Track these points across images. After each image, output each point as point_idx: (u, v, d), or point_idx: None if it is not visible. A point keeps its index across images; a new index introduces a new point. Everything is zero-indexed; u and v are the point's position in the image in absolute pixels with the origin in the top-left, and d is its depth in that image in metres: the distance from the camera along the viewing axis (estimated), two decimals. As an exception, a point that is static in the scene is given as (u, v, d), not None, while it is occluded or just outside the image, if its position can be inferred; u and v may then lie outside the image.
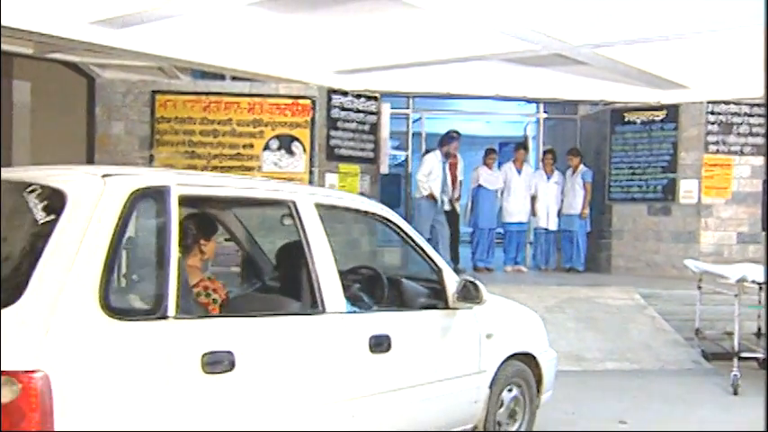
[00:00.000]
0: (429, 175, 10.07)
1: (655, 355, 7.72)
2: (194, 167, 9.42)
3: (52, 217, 2.78)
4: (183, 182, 3.22)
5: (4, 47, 7.76)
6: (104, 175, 2.97)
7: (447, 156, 10.37)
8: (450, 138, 10.40)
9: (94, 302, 2.70)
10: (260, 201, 3.93)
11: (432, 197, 10.02)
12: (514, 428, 4.80)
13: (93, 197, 2.86)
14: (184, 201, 3.21)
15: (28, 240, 2.84)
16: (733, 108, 10.60)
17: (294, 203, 3.70)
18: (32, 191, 2.90)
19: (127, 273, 3.01)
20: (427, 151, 10.67)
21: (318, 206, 3.81)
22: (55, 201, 2.83)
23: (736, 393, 6.57)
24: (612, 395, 6.50)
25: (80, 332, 2.65)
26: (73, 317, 2.64)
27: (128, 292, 2.97)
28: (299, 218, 3.69)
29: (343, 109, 10.14)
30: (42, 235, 2.74)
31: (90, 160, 9.63)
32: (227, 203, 4.52)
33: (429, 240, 8.70)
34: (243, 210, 4.88)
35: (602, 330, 8.13)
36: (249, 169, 9.56)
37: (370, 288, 4.52)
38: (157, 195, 3.05)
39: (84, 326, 2.67)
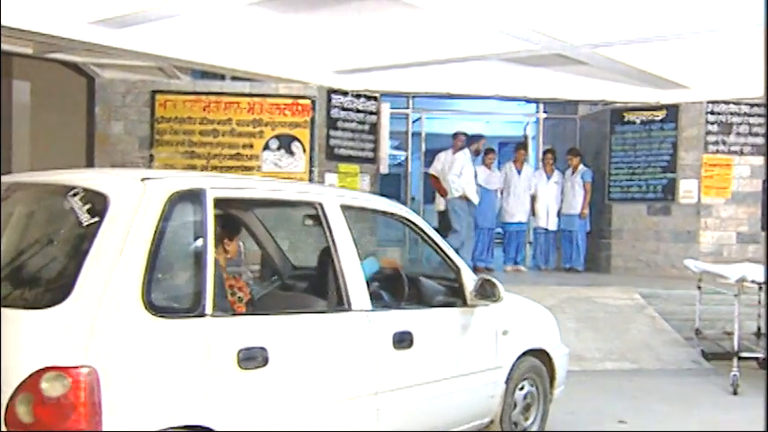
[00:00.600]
0: (461, 176, 10.10)
1: (654, 355, 7.72)
2: (194, 167, 9.43)
3: (96, 219, 2.90)
4: (217, 185, 3.36)
5: (4, 47, 7.76)
6: (144, 179, 3.10)
7: (477, 153, 10.52)
8: (479, 135, 10.67)
9: (137, 301, 2.83)
10: (288, 202, 4.08)
11: (464, 197, 10.09)
12: (529, 422, 4.92)
13: (135, 200, 2.98)
14: (218, 203, 3.31)
15: (72, 242, 2.98)
16: (732, 108, 10.61)
17: (321, 205, 3.82)
18: (75, 194, 3.01)
19: (167, 272, 3.08)
20: (456, 149, 10.65)
21: (344, 207, 3.93)
22: (98, 203, 2.95)
23: (735, 393, 6.58)
24: (612, 395, 6.50)
25: (124, 329, 2.78)
26: (118, 315, 2.76)
27: (168, 290, 3.06)
28: (326, 219, 3.80)
29: (343, 109, 10.14)
30: (86, 236, 2.86)
31: (90, 160, 9.64)
32: (254, 204, 4.65)
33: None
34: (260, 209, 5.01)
35: (602, 330, 8.13)
36: (249, 169, 9.57)
37: (391, 286, 4.61)
38: (194, 198, 3.18)
39: (128, 323, 2.79)
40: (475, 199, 10.31)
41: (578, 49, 7.76)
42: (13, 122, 9.23)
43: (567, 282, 9.89)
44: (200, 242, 3.15)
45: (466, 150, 10.37)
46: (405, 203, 12.55)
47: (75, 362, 2.60)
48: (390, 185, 13.01)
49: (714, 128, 10.62)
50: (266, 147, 9.71)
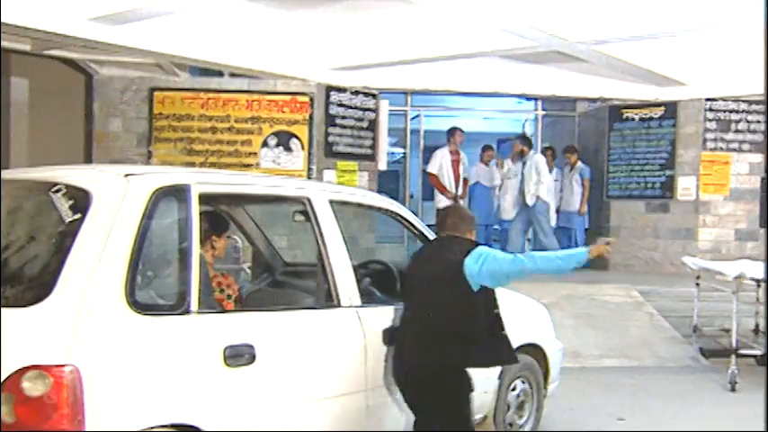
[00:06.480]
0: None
1: (653, 352, 7.73)
2: (192, 164, 9.41)
3: (78, 216, 2.87)
4: (202, 180, 3.32)
5: (3, 43, 7.74)
6: (127, 175, 3.07)
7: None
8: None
9: (121, 298, 2.80)
10: (275, 197, 4.05)
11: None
12: (524, 420, 4.91)
13: (118, 196, 2.96)
14: (203, 198, 3.29)
15: (54, 239, 2.95)
16: (731, 105, 10.60)
17: (309, 200, 3.79)
18: (58, 190, 2.99)
19: (151, 269, 3.07)
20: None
21: (332, 202, 3.90)
22: (80, 200, 2.93)
23: (733, 390, 6.58)
24: (610, 392, 6.51)
25: (107, 327, 2.75)
26: (100, 312, 2.73)
27: (152, 287, 3.04)
28: (315, 214, 3.78)
29: (342, 106, 10.13)
30: (68, 233, 2.83)
31: (88, 157, 9.62)
32: (240, 200, 4.62)
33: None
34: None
35: (601, 327, 8.13)
36: (247, 166, 9.55)
37: (382, 282, 4.58)
38: (178, 194, 3.15)
39: (111, 321, 2.76)
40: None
41: (577, 47, 7.75)
42: (12, 120, 9.20)
43: (565, 279, 9.88)
44: (184, 238, 3.11)
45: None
46: (403, 200, 12.57)
47: (57, 360, 2.56)
48: (389, 182, 13.01)
49: (713, 125, 10.62)
50: (264, 144, 9.70)
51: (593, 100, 11.55)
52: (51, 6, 6.94)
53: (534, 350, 4.95)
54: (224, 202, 4.56)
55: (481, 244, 3.86)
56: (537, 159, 10.48)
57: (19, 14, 6.80)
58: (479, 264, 3.66)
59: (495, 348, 3.85)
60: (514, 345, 4.71)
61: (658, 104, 10.86)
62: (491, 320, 3.81)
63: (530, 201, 10.36)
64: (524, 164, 10.53)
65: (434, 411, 3.72)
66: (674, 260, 10.17)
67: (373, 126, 10.52)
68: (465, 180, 10.78)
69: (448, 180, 10.47)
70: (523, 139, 10.89)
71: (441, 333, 3.71)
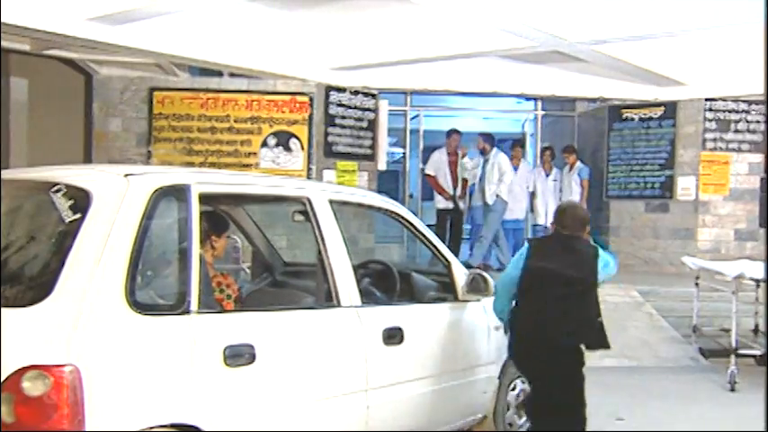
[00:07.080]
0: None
1: (652, 352, 7.73)
2: (192, 164, 9.41)
3: (78, 216, 2.87)
4: (202, 180, 3.32)
5: (2, 43, 7.74)
6: (127, 175, 3.06)
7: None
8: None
9: (121, 298, 2.79)
10: (275, 197, 4.05)
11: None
12: (523, 419, 4.90)
13: (118, 196, 2.95)
14: (203, 198, 3.29)
15: (54, 239, 2.94)
16: (731, 105, 10.61)
17: (309, 200, 3.79)
18: (58, 190, 2.99)
19: (150, 269, 3.07)
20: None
21: (332, 202, 3.90)
22: (80, 200, 2.92)
23: (733, 390, 6.59)
24: (610, 392, 6.50)
25: (107, 327, 2.74)
26: (100, 312, 2.73)
27: (152, 287, 3.04)
28: (315, 214, 3.77)
29: (341, 106, 10.13)
30: (68, 233, 2.83)
31: (88, 157, 9.62)
32: (240, 200, 4.62)
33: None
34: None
35: (600, 327, 8.12)
36: (247, 166, 9.56)
37: (382, 282, 4.60)
38: (178, 193, 3.14)
39: (111, 321, 2.76)
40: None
41: (576, 47, 7.76)
42: (11, 120, 9.20)
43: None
44: (184, 238, 3.11)
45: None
46: (403, 200, 12.57)
47: (57, 360, 2.56)
48: (388, 182, 13.00)
49: (712, 125, 10.62)
50: (264, 144, 9.70)
51: (593, 100, 11.55)
52: (51, 6, 6.94)
53: None
54: (224, 202, 4.56)
55: (599, 244, 4.51)
56: (500, 159, 10.46)
57: (19, 14, 6.80)
58: (607, 268, 4.34)
59: (603, 331, 4.41)
60: None
61: (658, 104, 10.86)
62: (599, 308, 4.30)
63: (489, 199, 10.34)
64: (486, 161, 10.55)
65: (561, 385, 4.41)
66: (674, 260, 10.18)
67: (373, 126, 10.52)
68: (464, 180, 10.80)
69: (445, 181, 10.52)
70: (486, 136, 10.86)
71: (573, 320, 4.23)
